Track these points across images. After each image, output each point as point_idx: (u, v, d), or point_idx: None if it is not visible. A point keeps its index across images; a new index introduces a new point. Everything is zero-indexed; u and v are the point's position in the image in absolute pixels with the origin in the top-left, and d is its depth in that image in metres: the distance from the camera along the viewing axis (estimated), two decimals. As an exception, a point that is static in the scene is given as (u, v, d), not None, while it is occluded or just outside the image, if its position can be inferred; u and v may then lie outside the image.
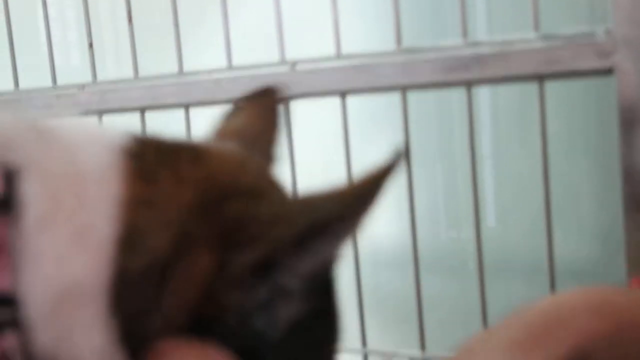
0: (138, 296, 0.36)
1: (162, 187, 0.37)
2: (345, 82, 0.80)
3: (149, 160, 0.38)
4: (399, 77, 0.78)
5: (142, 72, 0.92)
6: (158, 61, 0.93)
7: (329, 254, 0.38)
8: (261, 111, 0.51)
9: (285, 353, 0.39)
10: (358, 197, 0.36)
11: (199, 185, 0.38)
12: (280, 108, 0.51)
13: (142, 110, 0.91)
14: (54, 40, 1.00)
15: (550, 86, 0.73)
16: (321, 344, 0.42)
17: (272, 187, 0.42)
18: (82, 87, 0.95)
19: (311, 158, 0.92)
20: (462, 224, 1.19)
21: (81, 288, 0.35)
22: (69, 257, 0.35)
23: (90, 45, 0.95)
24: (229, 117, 0.50)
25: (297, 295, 0.39)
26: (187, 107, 0.89)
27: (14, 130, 0.36)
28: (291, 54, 0.85)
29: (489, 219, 1.17)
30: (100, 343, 0.35)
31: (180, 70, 0.90)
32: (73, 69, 1.59)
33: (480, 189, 0.81)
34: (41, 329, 0.34)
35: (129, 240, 0.35)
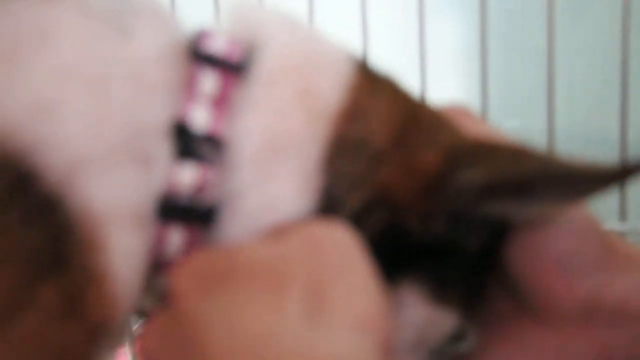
0: (348, 163, 0.39)
1: (387, 92, 0.42)
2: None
3: (372, 70, 0.43)
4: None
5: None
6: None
7: (538, 209, 0.39)
8: None
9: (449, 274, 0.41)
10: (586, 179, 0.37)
11: (411, 102, 0.43)
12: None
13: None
14: None
15: None
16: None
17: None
18: None
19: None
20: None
21: (296, 141, 0.39)
22: (289, 112, 0.39)
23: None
24: None
25: (485, 230, 0.41)
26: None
27: (263, 13, 0.43)
28: None
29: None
30: (294, 196, 0.39)
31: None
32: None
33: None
34: (246, 171, 0.39)
35: (352, 114, 0.40)
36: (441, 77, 0.91)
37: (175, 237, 0.39)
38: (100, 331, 0.37)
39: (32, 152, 0.35)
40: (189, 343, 0.32)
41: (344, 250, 0.36)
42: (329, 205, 0.39)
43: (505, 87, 1.04)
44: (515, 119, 1.08)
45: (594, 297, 0.40)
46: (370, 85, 0.42)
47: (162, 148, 0.38)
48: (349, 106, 0.40)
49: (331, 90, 0.40)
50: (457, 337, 0.43)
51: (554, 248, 0.40)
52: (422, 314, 0.41)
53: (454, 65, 1.09)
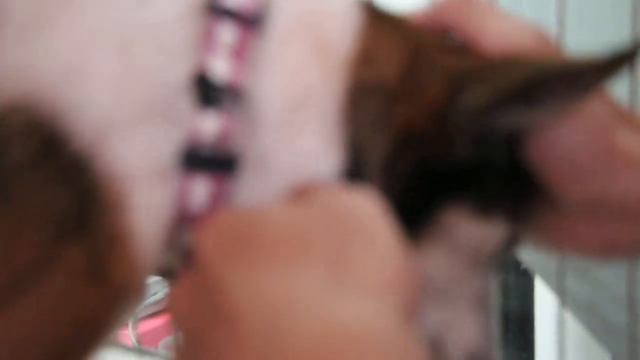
0: (368, 107, 0.41)
1: (389, 29, 0.43)
2: None
3: (377, 9, 0.44)
4: None
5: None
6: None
7: (545, 113, 0.40)
8: None
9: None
10: (590, 70, 0.38)
11: (417, 35, 0.44)
12: None
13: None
14: None
15: None
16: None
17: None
18: None
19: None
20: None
21: (316, 95, 0.40)
22: (306, 68, 0.41)
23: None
24: None
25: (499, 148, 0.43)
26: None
27: None
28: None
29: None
30: (321, 150, 0.40)
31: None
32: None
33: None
34: (270, 131, 0.40)
35: (364, 60, 0.41)
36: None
37: (200, 188, 0.39)
38: (122, 292, 0.37)
39: (61, 115, 0.36)
40: (216, 307, 0.33)
41: (367, 216, 0.37)
42: (357, 155, 0.41)
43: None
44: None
45: (599, 193, 0.42)
46: (375, 26, 0.43)
47: (185, 102, 0.39)
48: (359, 52, 0.41)
49: (341, 41, 0.42)
50: (509, 242, 0.46)
51: (561, 146, 0.41)
52: (471, 232, 0.43)
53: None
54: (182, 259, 0.40)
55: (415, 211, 0.42)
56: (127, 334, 1.29)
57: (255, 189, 0.40)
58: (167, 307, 0.37)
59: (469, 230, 0.43)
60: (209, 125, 0.39)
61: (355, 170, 0.41)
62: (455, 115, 0.40)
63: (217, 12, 0.40)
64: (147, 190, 0.38)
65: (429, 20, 0.45)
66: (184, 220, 0.39)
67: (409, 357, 0.30)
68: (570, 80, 0.38)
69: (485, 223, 0.43)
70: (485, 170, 0.42)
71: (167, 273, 0.42)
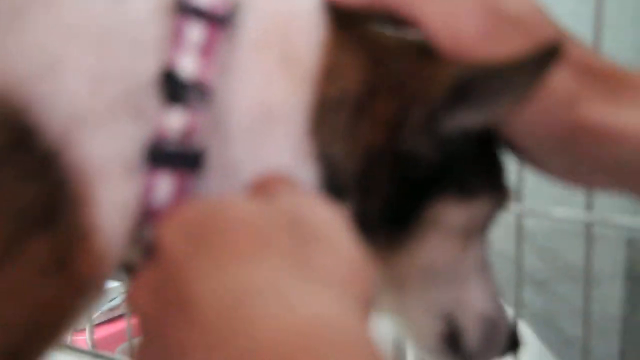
0: (335, 123, 0.41)
1: (352, 38, 0.44)
2: None
3: (341, 15, 0.44)
4: None
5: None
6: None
7: (488, 112, 0.42)
8: None
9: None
10: (521, 67, 0.39)
11: (377, 44, 0.44)
12: None
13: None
14: None
15: None
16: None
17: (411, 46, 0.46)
18: None
19: None
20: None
21: (282, 108, 0.41)
22: (275, 79, 0.41)
23: None
24: None
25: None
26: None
27: None
28: None
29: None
30: (288, 161, 0.41)
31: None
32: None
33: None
34: (238, 135, 0.40)
35: (329, 74, 0.42)
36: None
37: (164, 184, 0.39)
38: (85, 287, 0.37)
39: (33, 107, 0.36)
40: (177, 298, 0.33)
41: (325, 218, 0.37)
42: (330, 169, 0.41)
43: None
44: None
45: (571, 164, 0.45)
46: (340, 36, 0.43)
47: (152, 98, 0.39)
48: (324, 67, 0.42)
49: (308, 54, 0.42)
50: (499, 208, 0.48)
51: (529, 125, 0.44)
52: (460, 215, 0.45)
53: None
54: (144, 254, 0.40)
55: (402, 213, 0.43)
56: (84, 338, 1.27)
57: (219, 192, 0.41)
58: (128, 300, 0.36)
59: (459, 214, 0.45)
60: (174, 121, 0.39)
61: (331, 184, 0.41)
62: (406, 135, 0.42)
63: (186, 10, 0.40)
64: (113, 185, 0.38)
65: (369, 2, 0.45)
66: (147, 215, 0.39)
67: (367, 349, 0.30)
68: (502, 79, 0.40)
69: (471, 203, 0.45)
70: (459, 162, 0.44)
71: (129, 269, 0.41)
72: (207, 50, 0.40)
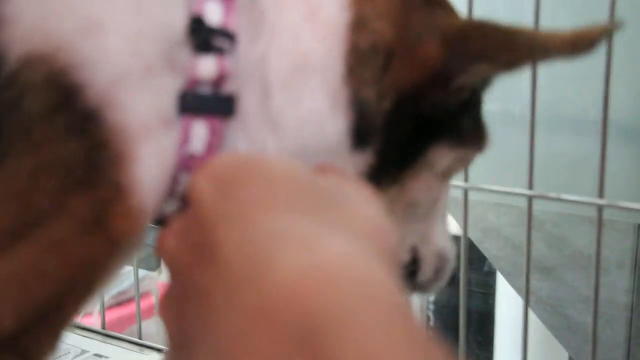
0: (366, 69, 0.43)
1: None
2: None
3: None
4: None
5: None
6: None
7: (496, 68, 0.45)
8: None
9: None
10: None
11: None
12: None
13: None
14: None
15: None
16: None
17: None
18: None
19: None
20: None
21: (316, 58, 0.42)
22: (304, 33, 0.42)
23: None
24: None
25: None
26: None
27: None
28: None
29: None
30: (325, 107, 0.42)
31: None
32: None
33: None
34: (275, 86, 0.42)
35: (357, 24, 0.43)
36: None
37: (200, 132, 0.40)
38: (122, 244, 0.38)
39: (76, 67, 0.37)
40: (204, 240, 0.34)
41: (357, 190, 0.38)
42: (360, 114, 0.43)
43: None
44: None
45: None
46: None
47: (184, 47, 0.40)
48: (352, 16, 0.43)
49: (334, 7, 0.43)
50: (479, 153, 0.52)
51: None
52: (449, 160, 0.49)
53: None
54: (178, 204, 0.41)
55: (410, 155, 0.47)
56: (93, 319, 1.28)
57: (261, 142, 0.42)
58: (158, 245, 0.37)
59: (449, 157, 0.48)
60: (205, 67, 0.40)
61: (359, 129, 0.43)
62: (453, 82, 0.44)
63: None
64: (153, 141, 0.39)
65: None
66: (184, 166, 0.40)
67: (389, 296, 0.30)
68: (544, 48, 0.43)
69: (461, 148, 0.49)
70: (462, 112, 0.47)
71: (163, 222, 0.42)
72: None
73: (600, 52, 0.73)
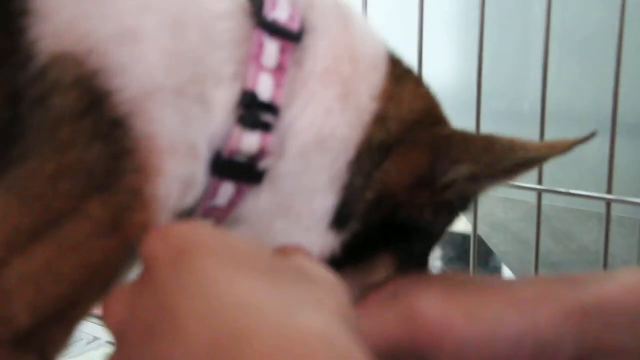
0: (368, 160, 0.45)
1: (404, 92, 0.48)
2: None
3: (399, 69, 0.49)
4: None
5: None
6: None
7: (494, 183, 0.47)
8: None
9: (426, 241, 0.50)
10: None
11: (426, 101, 0.49)
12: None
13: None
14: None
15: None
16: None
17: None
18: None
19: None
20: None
21: (335, 140, 0.44)
22: (334, 113, 0.44)
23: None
24: None
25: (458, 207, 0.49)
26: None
27: None
28: None
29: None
30: (322, 185, 0.44)
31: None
32: None
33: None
34: (292, 154, 0.43)
35: (379, 119, 0.46)
36: (436, 54, 0.92)
37: (227, 191, 0.42)
38: (134, 250, 0.38)
39: (110, 73, 0.37)
40: (161, 310, 0.31)
41: (317, 269, 0.37)
42: (347, 199, 0.45)
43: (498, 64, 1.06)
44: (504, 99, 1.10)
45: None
46: (397, 89, 0.47)
47: (223, 97, 0.41)
48: (378, 110, 0.46)
49: (367, 98, 0.46)
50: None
51: None
52: (392, 267, 0.49)
53: (449, 40, 1.10)
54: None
55: (365, 250, 0.48)
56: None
57: (261, 199, 0.43)
58: (103, 313, 0.35)
59: (390, 267, 0.49)
60: (250, 142, 0.41)
61: (342, 211, 0.45)
62: (437, 185, 0.45)
63: (263, 23, 0.42)
64: (178, 163, 0.39)
65: None
66: (204, 213, 0.42)
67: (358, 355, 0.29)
68: (531, 163, 0.45)
69: (397, 268, 0.49)
70: (420, 231, 0.48)
71: None
72: (280, 70, 0.42)
73: (609, 50, 0.75)
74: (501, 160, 0.44)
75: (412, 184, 0.46)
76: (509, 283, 0.47)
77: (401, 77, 0.48)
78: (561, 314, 0.42)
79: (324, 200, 0.44)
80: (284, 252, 0.38)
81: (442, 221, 0.49)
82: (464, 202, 0.49)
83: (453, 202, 0.47)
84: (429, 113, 0.49)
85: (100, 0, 0.38)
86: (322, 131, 0.44)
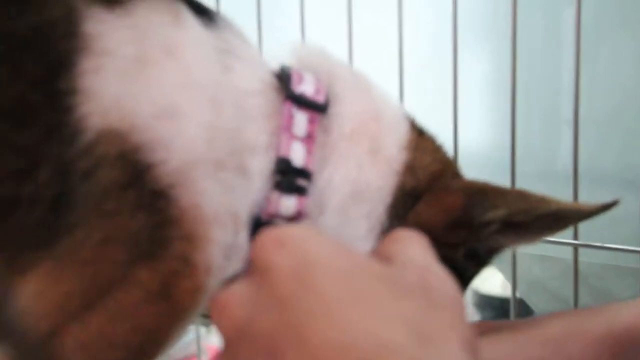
0: (402, 206, 0.50)
1: (427, 144, 0.53)
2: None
3: (416, 124, 0.54)
4: None
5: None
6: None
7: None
8: None
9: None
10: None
11: (444, 154, 0.54)
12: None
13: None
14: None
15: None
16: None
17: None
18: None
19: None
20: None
21: (370, 191, 0.49)
22: (366, 166, 0.49)
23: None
24: None
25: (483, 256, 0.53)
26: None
27: (336, 67, 0.51)
28: None
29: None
30: (363, 233, 0.48)
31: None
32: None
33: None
34: (332, 209, 0.47)
35: (409, 168, 0.51)
36: (470, 118, 0.95)
37: None
38: (185, 316, 0.41)
39: (152, 147, 0.39)
40: (285, 327, 0.31)
41: (449, 286, 0.36)
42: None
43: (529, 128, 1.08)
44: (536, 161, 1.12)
45: None
46: (419, 141, 0.53)
47: (259, 165, 0.44)
48: (407, 160, 0.50)
49: (395, 149, 0.50)
50: None
51: None
52: None
53: (481, 105, 1.13)
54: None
55: None
56: None
57: None
58: (216, 310, 0.34)
59: None
60: (287, 205, 0.45)
61: None
62: (472, 225, 0.49)
63: (292, 97, 0.46)
64: (221, 229, 0.41)
65: None
66: (244, 271, 0.43)
67: None
68: (562, 218, 0.48)
69: None
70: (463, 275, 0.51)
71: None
72: (310, 139, 0.46)
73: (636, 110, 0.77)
74: (535, 208, 0.48)
75: (448, 223, 0.49)
76: (535, 322, 0.49)
77: (421, 131, 0.53)
78: (593, 346, 0.44)
79: (364, 245, 0.48)
80: (393, 239, 0.37)
81: (472, 269, 0.52)
82: (494, 252, 0.52)
83: (483, 251, 0.51)
84: (449, 165, 0.53)
85: (142, 79, 0.40)
86: (356, 184, 0.48)
